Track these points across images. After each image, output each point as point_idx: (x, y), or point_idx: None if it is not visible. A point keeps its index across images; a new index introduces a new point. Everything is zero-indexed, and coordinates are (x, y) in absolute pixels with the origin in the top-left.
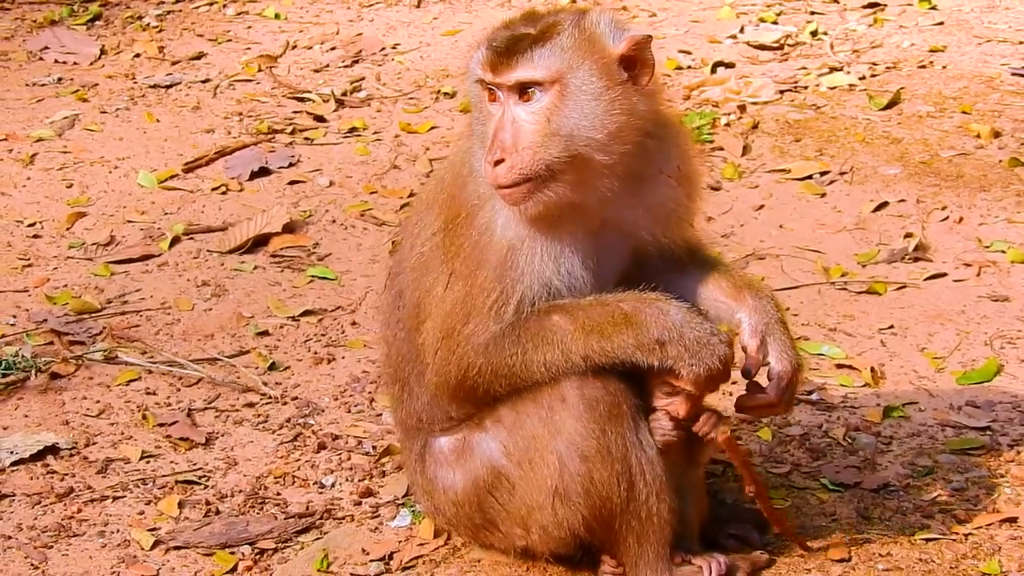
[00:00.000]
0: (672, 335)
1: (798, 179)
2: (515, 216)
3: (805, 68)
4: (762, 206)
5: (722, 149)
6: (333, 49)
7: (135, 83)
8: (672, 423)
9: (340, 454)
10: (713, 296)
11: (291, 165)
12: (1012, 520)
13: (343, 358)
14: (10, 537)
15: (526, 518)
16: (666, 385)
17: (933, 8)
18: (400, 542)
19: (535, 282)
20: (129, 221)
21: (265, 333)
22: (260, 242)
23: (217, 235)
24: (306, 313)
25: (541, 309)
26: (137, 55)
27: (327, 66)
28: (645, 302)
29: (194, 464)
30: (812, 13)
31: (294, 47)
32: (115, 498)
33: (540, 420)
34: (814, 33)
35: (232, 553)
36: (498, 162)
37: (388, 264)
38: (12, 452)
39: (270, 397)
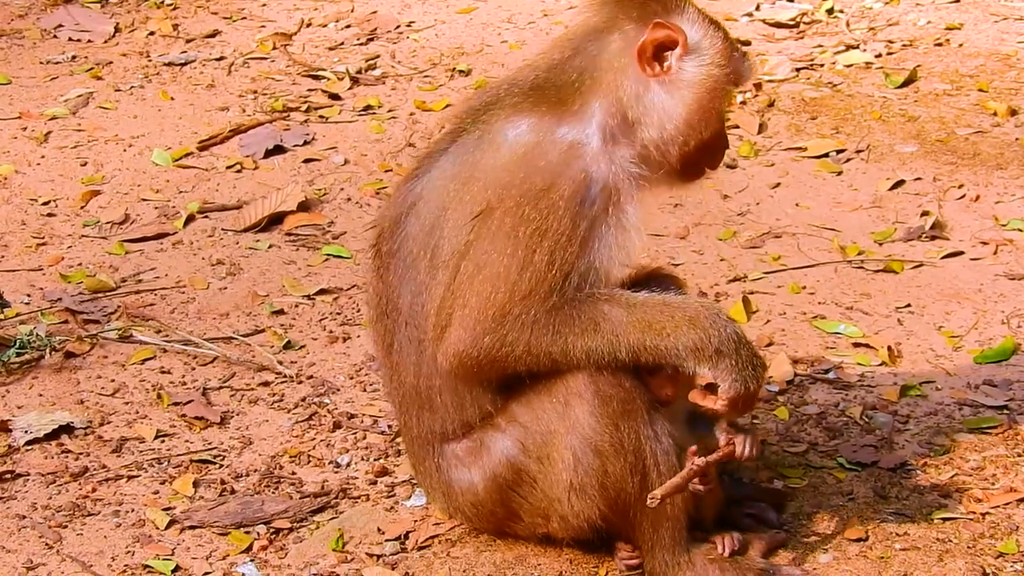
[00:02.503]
0: (730, 348)
1: (814, 157)
2: (623, 194)
3: (821, 46)
4: (778, 184)
5: (738, 127)
6: (348, 27)
7: (149, 61)
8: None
9: (355, 433)
10: None
11: (306, 143)
12: None
13: (358, 337)
14: (25, 516)
15: (546, 509)
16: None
17: None
18: (416, 521)
19: (604, 258)
20: (144, 199)
21: (280, 312)
22: (275, 220)
23: (232, 213)
24: (321, 292)
25: (598, 296)
26: (151, 33)
27: (342, 44)
28: (710, 310)
29: (209, 443)
30: None
31: (309, 25)
32: (130, 477)
33: (557, 415)
34: (830, 11)
35: (247, 532)
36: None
37: (371, 288)
38: (27, 431)
39: (285, 376)
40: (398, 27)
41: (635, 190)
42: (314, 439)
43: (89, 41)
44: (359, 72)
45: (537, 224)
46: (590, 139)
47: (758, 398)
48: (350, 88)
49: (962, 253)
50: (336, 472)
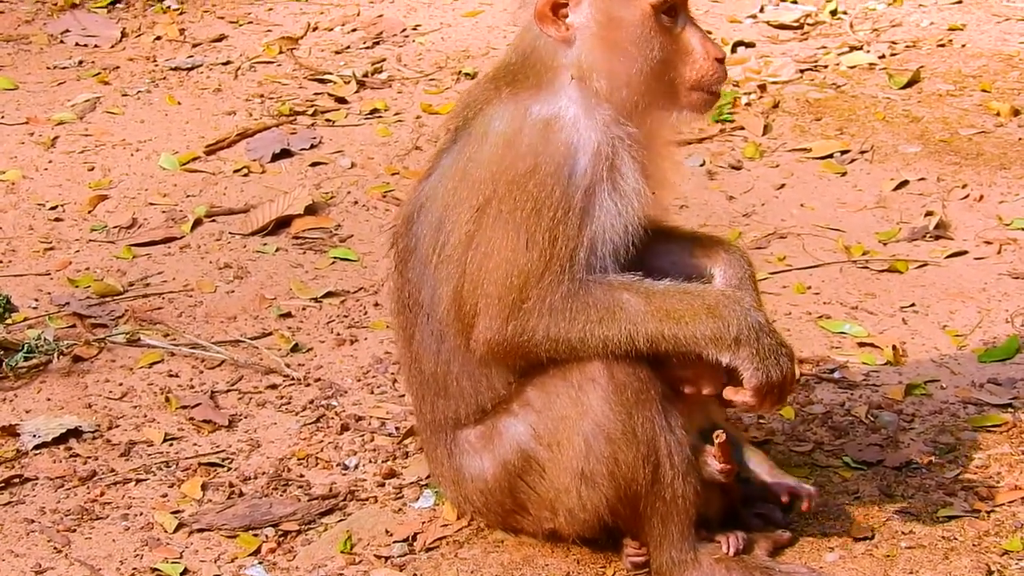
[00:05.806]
0: (751, 336)
1: (819, 158)
2: (617, 157)
3: (825, 47)
4: (783, 185)
5: (743, 128)
6: (354, 31)
7: (156, 66)
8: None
9: (363, 435)
10: (688, 252)
11: (313, 147)
12: None
13: (366, 339)
14: (33, 520)
15: (554, 501)
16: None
17: None
18: (423, 523)
19: (608, 225)
20: (151, 204)
21: (288, 315)
22: (282, 224)
23: (239, 217)
24: (328, 295)
25: (615, 284)
26: (158, 38)
27: (348, 47)
28: (730, 299)
29: (217, 446)
30: None
31: (315, 29)
32: (138, 481)
33: (570, 400)
34: (834, 12)
35: (255, 535)
36: (720, 59)
37: (393, 283)
38: (35, 435)
39: (293, 379)
40: (404, 31)
41: (630, 150)
42: (322, 441)
43: (96, 46)
44: (365, 76)
45: (532, 205)
46: (565, 110)
47: (789, 388)
48: (356, 92)
49: (966, 253)
50: (344, 474)
